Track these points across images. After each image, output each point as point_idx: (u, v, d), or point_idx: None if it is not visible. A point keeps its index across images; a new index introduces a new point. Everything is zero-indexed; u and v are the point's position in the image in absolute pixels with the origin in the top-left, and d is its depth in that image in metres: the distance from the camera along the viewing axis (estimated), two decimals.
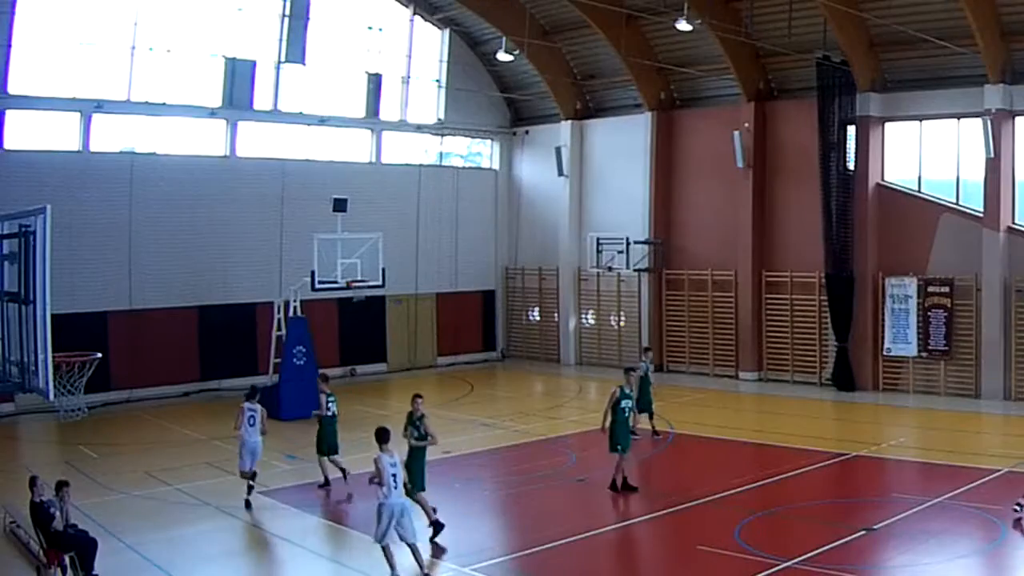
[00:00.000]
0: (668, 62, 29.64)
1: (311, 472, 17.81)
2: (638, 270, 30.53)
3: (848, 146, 26.00)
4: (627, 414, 16.45)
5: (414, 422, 14.42)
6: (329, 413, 17.08)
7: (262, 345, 26.47)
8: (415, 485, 13.81)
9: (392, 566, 12.10)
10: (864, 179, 25.96)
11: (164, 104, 26.88)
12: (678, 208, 30.57)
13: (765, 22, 26.81)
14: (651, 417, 21.16)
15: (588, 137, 32.84)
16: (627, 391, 16.66)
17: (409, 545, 12.27)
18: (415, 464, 14.11)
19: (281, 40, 28.80)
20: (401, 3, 31.65)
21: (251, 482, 15.94)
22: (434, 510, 14.09)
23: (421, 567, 12.38)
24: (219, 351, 27.19)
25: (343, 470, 17.01)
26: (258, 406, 16.20)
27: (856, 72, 25.58)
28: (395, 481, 12.14)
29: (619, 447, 16.34)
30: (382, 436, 12.39)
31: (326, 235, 24.41)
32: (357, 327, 30.35)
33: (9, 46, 24.02)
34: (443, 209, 33.03)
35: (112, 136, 26.40)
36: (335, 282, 24.43)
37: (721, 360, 29.30)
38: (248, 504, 15.73)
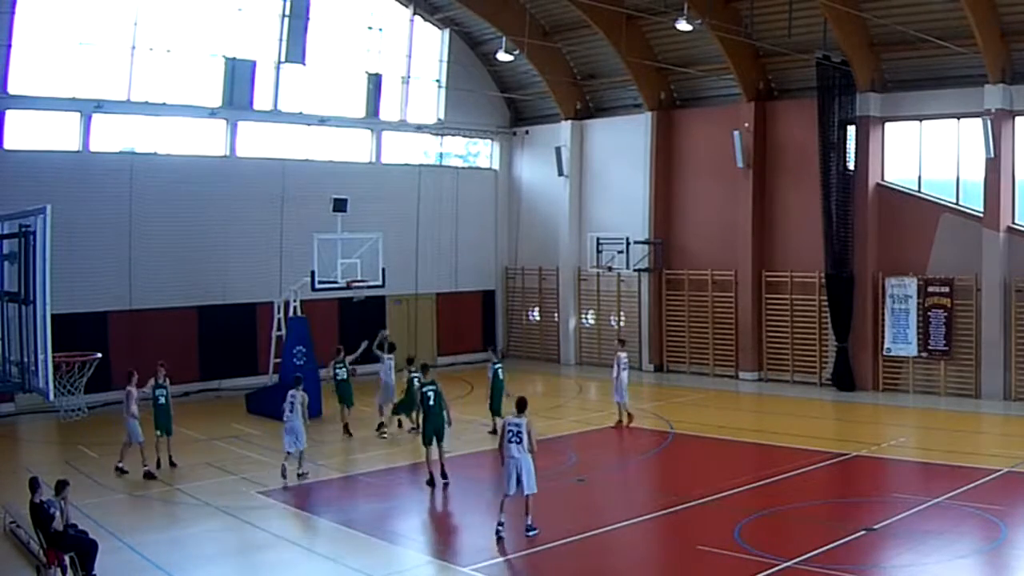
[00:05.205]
0: (668, 62, 29.63)
1: (311, 472, 17.82)
2: (638, 270, 30.51)
3: (848, 146, 25.97)
4: (431, 402, 17.39)
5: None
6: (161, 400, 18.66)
7: (262, 345, 26.48)
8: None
9: None
10: (864, 179, 25.96)
11: (164, 104, 26.87)
12: (678, 208, 30.56)
13: (765, 22, 26.81)
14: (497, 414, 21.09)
15: (588, 137, 32.83)
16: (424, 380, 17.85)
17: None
18: None
19: (281, 40, 28.78)
20: (401, 3, 31.64)
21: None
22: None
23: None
24: (219, 351, 27.18)
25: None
26: (299, 393, 17.64)
27: (856, 72, 25.57)
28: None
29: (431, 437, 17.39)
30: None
31: (326, 235, 24.40)
32: (357, 327, 30.27)
33: (9, 46, 24.01)
34: (443, 209, 33.02)
35: (112, 136, 26.38)
36: (335, 282, 24.43)
37: (721, 360, 29.28)
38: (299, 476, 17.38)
